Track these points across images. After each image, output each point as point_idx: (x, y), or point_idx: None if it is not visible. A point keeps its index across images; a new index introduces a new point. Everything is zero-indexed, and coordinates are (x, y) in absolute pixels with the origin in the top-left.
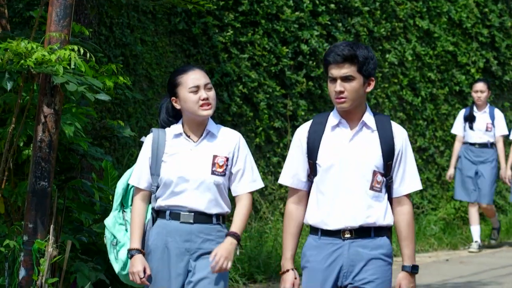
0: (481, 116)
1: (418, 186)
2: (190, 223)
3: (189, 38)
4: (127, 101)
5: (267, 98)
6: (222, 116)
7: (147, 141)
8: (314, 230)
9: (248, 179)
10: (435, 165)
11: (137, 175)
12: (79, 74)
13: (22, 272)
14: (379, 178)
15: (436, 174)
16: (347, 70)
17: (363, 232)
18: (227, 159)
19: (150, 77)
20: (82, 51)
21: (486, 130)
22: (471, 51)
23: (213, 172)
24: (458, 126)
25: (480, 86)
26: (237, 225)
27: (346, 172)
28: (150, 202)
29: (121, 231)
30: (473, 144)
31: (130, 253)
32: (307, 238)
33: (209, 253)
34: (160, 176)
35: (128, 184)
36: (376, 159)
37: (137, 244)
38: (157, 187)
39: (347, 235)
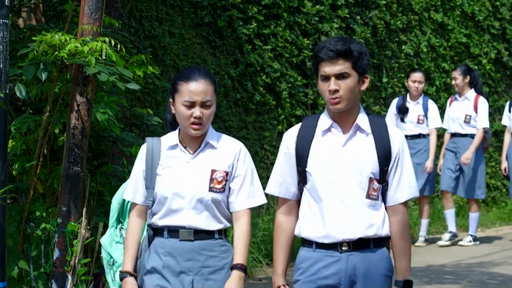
0: (414, 108)
1: (415, 193)
2: (190, 240)
3: (215, 30)
4: (155, 90)
5: (289, 88)
6: (246, 105)
7: (141, 152)
8: (307, 242)
9: (248, 194)
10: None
11: (132, 189)
12: (110, 64)
13: (56, 253)
14: (376, 185)
15: None
16: (342, 66)
17: (362, 244)
18: (227, 174)
19: (177, 67)
20: (113, 42)
21: (418, 122)
22: (483, 43)
23: (211, 189)
24: (389, 118)
25: (418, 76)
26: (241, 255)
27: (340, 180)
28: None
29: (118, 250)
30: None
31: (121, 276)
32: (299, 251)
33: (215, 270)
34: (155, 191)
35: (124, 199)
36: (372, 165)
37: (129, 267)
38: (153, 201)
39: (345, 248)
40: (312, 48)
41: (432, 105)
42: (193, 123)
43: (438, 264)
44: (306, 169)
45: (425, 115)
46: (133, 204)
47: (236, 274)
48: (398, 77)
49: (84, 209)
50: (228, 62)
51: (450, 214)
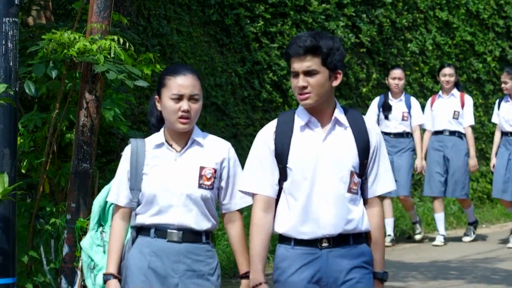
0: (397, 105)
1: (392, 186)
2: (178, 242)
3: (222, 28)
4: None
5: None
6: (253, 102)
7: (125, 153)
8: (285, 239)
9: (240, 194)
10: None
11: (116, 191)
12: (118, 62)
13: (65, 249)
14: (356, 179)
15: None
16: (310, 63)
17: (342, 240)
18: (215, 171)
19: None
20: (121, 41)
21: (402, 119)
22: (487, 41)
23: (200, 186)
24: (371, 116)
25: (398, 73)
26: (246, 262)
27: (322, 175)
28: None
29: (99, 253)
30: (388, 134)
31: (105, 278)
32: (277, 248)
33: (199, 275)
34: (142, 190)
35: (106, 202)
36: (353, 159)
37: (112, 269)
38: (138, 203)
39: (325, 244)
40: None
41: (414, 102)
42: (181, 117)
43: (443, 260)
44: (287, 165)
45: (409, 112)
46: (116, 207)
47: (245, 284)
48: (404, 74)
49: None
50: (235, 60)
51: (441, 217)
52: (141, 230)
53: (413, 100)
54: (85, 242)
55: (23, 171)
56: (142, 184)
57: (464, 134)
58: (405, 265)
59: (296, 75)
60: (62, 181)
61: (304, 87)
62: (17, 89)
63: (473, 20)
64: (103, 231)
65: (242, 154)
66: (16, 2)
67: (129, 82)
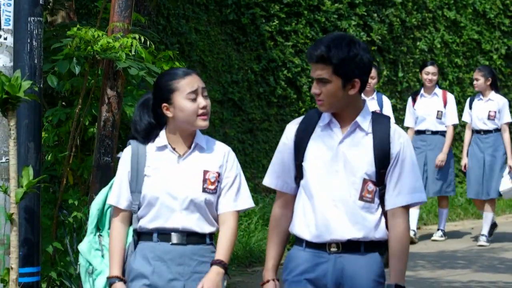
0: (369, 103)
1: (417, 198)
2: (183, 244)
3: (239, 27)
4: None
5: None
6: (269, 98)
7: (125, 154)
8: (299, 240)
9: (235, 196)
10: (461, 143)
11: (116, 193)
12: (139, 60)
13: None
14: (370, 187)
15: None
16: (321, 72)
17: (352, 246)
18: (219, 175)
19: (203, 63)
20: (142, 39)
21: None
22: (494, 39)
23: (204, 190)
24: None
25: (371, 72)
26: (223, 252)
27: (334, 178)
28: (131, 224)
29: (97, 257)
30: None
31: (110, 281)
32: (291, 249)
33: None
34: (143, 193)
35: (103, 205)
36: (367, 166)
37: (117, 271)
38: (139, 206)
39: (334, 249)
40: None
41: (386, 101)
42: (201, 115)
43: (450, 250)
44: (303, 163)
45: (381, 111)
46: (116, 209)
47: (214, 270)
48: (413, 72)
49: None
50: (251, 58)
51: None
52: (143, 234)
53: (384, 98)
54: (83, 246)
55: (47, 164)
56: (143, 186)
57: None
58: (414, 255)
59: (313, 80)
60: (85, 173)
61: (318, 94)
62: (41, 85)
63: (480, 19)
64: (101, 235)
65: (258, 148)
66: (40, 2)
67: (149, 78)
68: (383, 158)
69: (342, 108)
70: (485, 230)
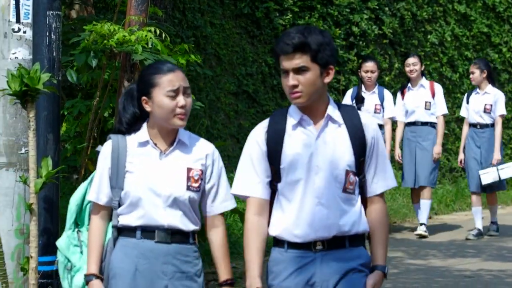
0: (370, 97)
1: (393, 183)
2: (167, 242)
3: (253, 21)
4: (198, 76)
5: None
6: (282, 90)
7: (105, 149)
8: (279, 242)
9: (223, 197)
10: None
11: (96, 189)
12: (155, 52)
13: None
14: (352, 178)
15: None
16: (299, 60)
17: (337, 242)
18: (202, 172)
19: (218, 56)
20: (158, 32)
21: (375, 112)
22: (503, 32)
23: (188, 188)
24: None
25: (370, 65)
26: (227, 270)
27: (316, 175)
28: (110, 220)
29: (76, 253)
30: None
31: (87, 279)
32: (271, 252)
33: (188, 276)
34: (125, 190)
35: (83, 200)
36: (348, 157)
37: (94, 269)
38: (119, 202)
39: (319, 247)
40: (344, 37)
41: (388, 95)
42: (179, 114)
43: (461, 239)
44: (280, 166)
45: (381, 105)
46: (96, 205)
47: None
48: (424, 64)
49: None
50: (265, 51)
51: (425, 205)
52: (124, 230)
53: (386, 92)
54: (61, 242)
55: (67, 154)
56: (124, 183)
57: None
58: (426, 244)
59: (286, 73)
60: None
61: (295, 86)
62: (59, 78)
63: (489, 13)
64: (80, 231)
65: None
66: None
67: None
68: (360, 146)
69: (316, 99)
70: (479, 224)
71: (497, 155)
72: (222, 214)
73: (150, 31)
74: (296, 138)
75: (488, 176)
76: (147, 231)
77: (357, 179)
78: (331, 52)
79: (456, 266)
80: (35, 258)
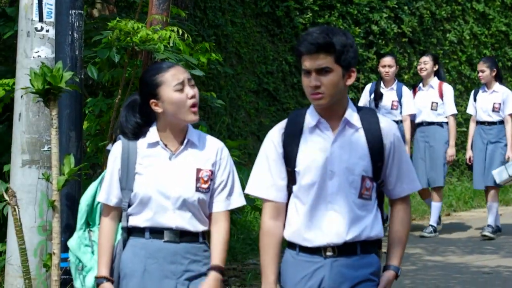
0: (388, 94)
1: (417, 185)
2: (176, 242)
3: (273, 19)
4: (218, 75)
5: None
6: (302, 88)
7: (115, 150)
8: (291, 245)
9: (229, 195)
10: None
11: (106, 190)
12: (177, 52)
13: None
14: (368, 184)
15: None
16: (323, 61)
17: (348, 249)
18: (212, 173)
19: (239, 54)
20: (180, 31)
21: (392, 108)
22: None
23: (197, 189)
24: (363, 101)
25: (388, 60)
26: (219, 257)
27: (330, 180)
28: (120, 221)
29: (87, 253)
30: None
31: (97, 282)
32: (284, 253)
33: (198, 276)
34: (134, 191)
35: (93, 200)
36: (365, 162)
37: (104, 271)
38: (129, 203)
39: (329, 253)
40: (363, 36)
41: (406, 92)
42: (192, 106)
43: (479, 236)
44: (296, 169)
45: (399, 101)
46: (106, 207)
47: (213, 275)
48: (442, 63)
49: None
50: (285, 49)
51: (435, 206)
52: (133, 231)
53: (405, 89)
54: (72, 242)
55: (89, 151)
56: (134, 184)
57: (446, 123)
58: (444, 241)
59: (308, 73)
60: None
61: (317, 87)
62: (82, 76)
63: (508, 12)
64: (91, 230)
65: None
66: None
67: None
68: (377, 151)
69: (336, 102)
70: (491, 220)
71: (510, 153)
72: (228, 212)
73: (172, 30)
74: (313, 142)
75: (499, 175)
76: (157, 231)
77: (374, 184)
78: (353, 54)
79: (474, 263)
80: (57, 254)
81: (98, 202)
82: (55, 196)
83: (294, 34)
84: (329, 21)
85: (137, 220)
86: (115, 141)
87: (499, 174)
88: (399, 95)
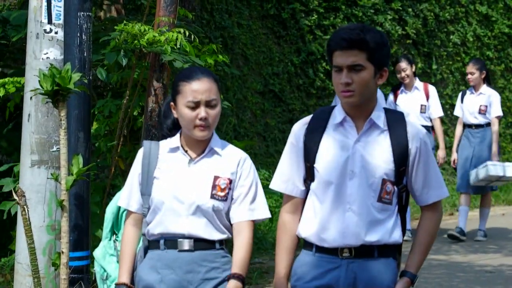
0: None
1: (445, 192)
2: (190, 250)
3: (279, 21)
4: (225, 76)
5: None
6: (308, 90)
7: (138, 155)
8: (308, 245)
9: (250, 205)
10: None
11: (127, 195)
12: (184, 53)
13: None
14: (389, 187)
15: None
16: (355, 58)
17: (365, 251)
18: (230, 182)
19: (245, 56)
20: (187, 33)
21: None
22: None
23: (212, 196)
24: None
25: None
26: (239, 264)
27: (350, 180)
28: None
29: (112, 263)
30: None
31: None
32: (300, 253)
33: (217, 284)
34: (151, 195)
35: (119, 209)
36: (387, 166)
37: (125, 278)
38: (148, 209)
39: (346, 254)
40: None
41: (379, 93)
42: (199, 126)
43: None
44: (314, 165)
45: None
46: (128, 212)
47: (232, 284)
48: (446, 64)
49: None
50: (291, 51)
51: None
52: (151, 242)
53: (377, 91)
54: (97, 252)
55: (98, 152)
56: (152, 189)
57: (431, 127)
58: (448, 240)
59: (340, 70)
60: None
61: (348, 84)
62: (90, 77)
63: (510, 14)
64: (116, 240)
65: None
66: None
67: None
68: (402, 155)
69: (365, 101)
70: (482, 225)
71: (495, 158)
72: (252, 222)
73: (179, 32)
74: (335, 139)
75: (495, 168)
76: (170, 240)
77: (396, 188)
78: (387, 53)
79: (477, 262)
80: (66, 253)
81: (124, 210)
82: (64, 196)
83: (300, 36)
84: (334, 23)
85: (152, 227)
86: (134, 139)
87: (472, 175)
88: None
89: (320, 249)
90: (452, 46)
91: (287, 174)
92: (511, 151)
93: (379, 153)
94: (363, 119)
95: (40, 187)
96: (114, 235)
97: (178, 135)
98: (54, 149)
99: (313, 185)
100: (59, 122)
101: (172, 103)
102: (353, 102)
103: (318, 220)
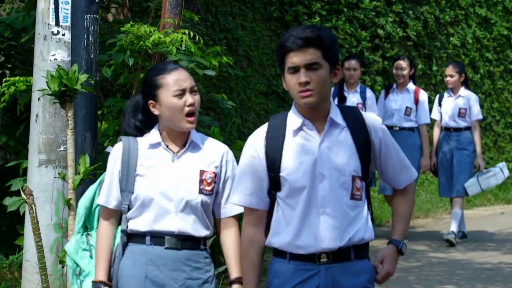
0: (352, 97)
1: (414, 174)
2: (177, 249)
3: (282, 24)
4: (229, 77)
5: None
6: None
7: (116, 151)
8: (280, 253)
9: None
10: (492, 132)
11: (106, 192)
12: (189, 54)
13: None
14: (358, 183)
15: (492, 139)
16: (312, 56)
17: (342, 255)
18: (216, 175)
19: (249, 57)
20: (192, 34)
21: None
22: None
23: (201, 191)
24: None
25: (353, 63)
26: (238, 267)
27: (320, 183)
28: (119, 224)
29: (85, 258)
30: None
31: (95, 286)
32: (271, 262)
33: (200, 284)
34: (135, 193)
35: (91, 203)
36: (354, 162)
37: (102, 276)
38: (129, 206)
39: (324, 259)
40: (369, 39)
41: (370, 94)
42: (188, 114)
43: (481, 233)
44: (280, 174)
45: (363, 104)
46: (105, 209)
47: None
48: (446, 65)
49: None
50: None
51: None
52: (133, 236)
53: (368, 91)
54: (69, 247)
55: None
56: (135, 186)
57: (416, 128)
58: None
59: (296, 70)
60: None
61: (307, 83)
62: (97, 78)
63: (509, 16)
64: (89, 234)
65: None
66: (96, 0)
67: (199, 70)
68: (366, 149)
69: (322, 101)
70: (454, 227)
71: (480, 161)
72: (236, 216)
73: (184, 33)
74: (298, 144)
75: (472, 189)
76: (157, 237)
77: (364, 183)
78: (338, 50)
79: (476, 259)
80: None
81: (97, 206)
82: (71, 195)
83: None
84: (336, 25)
85: (137, 225)
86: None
87: (472, 188)
88: (363, 98)
89: (295, 257)
90: (452, 48)
91: (249, 188)
92: (510, 151)
93: (345, 151)
94: (321, 120)
95: (47, 186)
96: (87, 229)
97: (155, 131)
98: (61, 148)
99: (281, 194)
100: (66, 122)
101: (151, 101)
102: (312, 101)
103: (292, 228)
